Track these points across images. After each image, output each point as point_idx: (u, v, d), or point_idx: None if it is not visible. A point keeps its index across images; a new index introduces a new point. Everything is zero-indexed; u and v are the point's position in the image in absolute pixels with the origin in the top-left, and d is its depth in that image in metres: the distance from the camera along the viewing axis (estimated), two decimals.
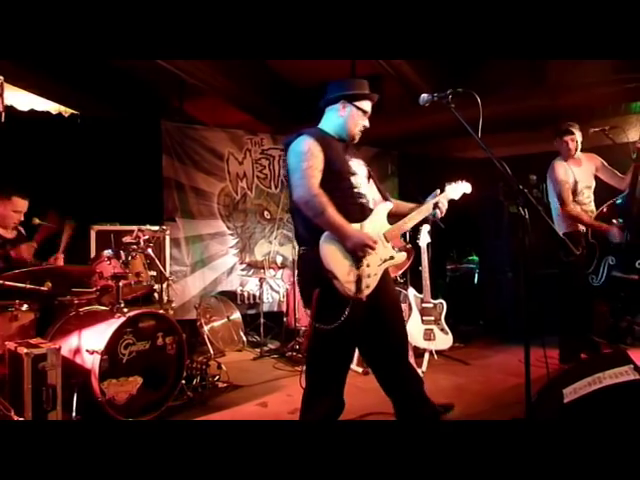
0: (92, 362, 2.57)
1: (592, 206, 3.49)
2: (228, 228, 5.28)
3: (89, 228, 3.96)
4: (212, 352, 4.11)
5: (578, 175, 3.46)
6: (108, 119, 4.86)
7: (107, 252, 2.96)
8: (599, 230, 3.28)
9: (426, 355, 3.86)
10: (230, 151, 5.32)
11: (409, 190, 5.61)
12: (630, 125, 5.01)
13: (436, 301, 3.91)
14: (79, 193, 4.30)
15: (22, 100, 4.50)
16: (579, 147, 3.46)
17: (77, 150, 4.48)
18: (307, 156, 2.03)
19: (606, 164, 3.50)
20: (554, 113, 4.87)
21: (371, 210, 2.16)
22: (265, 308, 4.89)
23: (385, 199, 2.30)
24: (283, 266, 5.19)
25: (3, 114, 2.38)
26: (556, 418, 1.94)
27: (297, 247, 2.19)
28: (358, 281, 1.99)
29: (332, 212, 1.95)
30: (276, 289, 5.34)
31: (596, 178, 3.54)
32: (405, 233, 3.79)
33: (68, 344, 2.70)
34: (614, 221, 3.22)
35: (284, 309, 5.01)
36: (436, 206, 2.24)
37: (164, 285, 3.54)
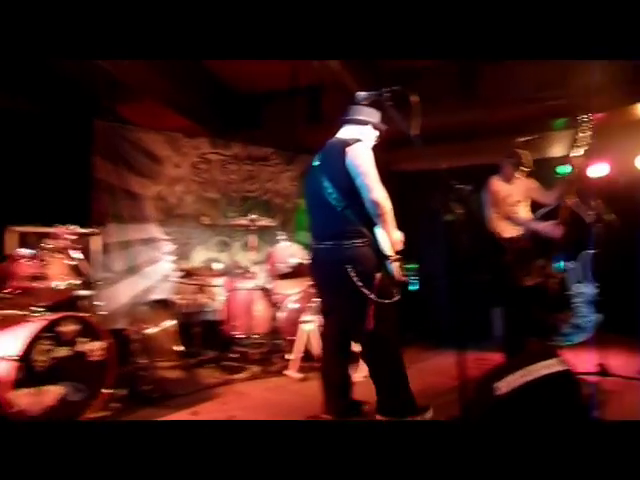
0: (1, 370, 2.32)
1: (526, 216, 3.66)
2: (163, 233, 5.06)
3: (5, 229, 3.62)
4: (143, 362, 3.87)
5: (512, 190, 3.66)
6: (27, 113, 4.48)
7: (23, 251, 2.69)
8: (534, 229, 3.48)
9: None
10: (167, 154, 5.13)
11: None
12: (554, 141, 5.36)
13: None
14: None
15: None
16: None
17: None
18: (373, 161, 2.46)
19: (539, 186, 3.70)
20: (485, 126, 5.13)
21: None
22: (202, 317, 4.70)
23: None
24: (221, 273, 5.03)
25: None
26: (490, 410, 1.99)
27: (336, 242, 2.54)
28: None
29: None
30: (214, 297, 5.15)
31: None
32: None
33: None
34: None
35: (221, 317, 4.85)
36: None
37: (90, 291, 3.29)
